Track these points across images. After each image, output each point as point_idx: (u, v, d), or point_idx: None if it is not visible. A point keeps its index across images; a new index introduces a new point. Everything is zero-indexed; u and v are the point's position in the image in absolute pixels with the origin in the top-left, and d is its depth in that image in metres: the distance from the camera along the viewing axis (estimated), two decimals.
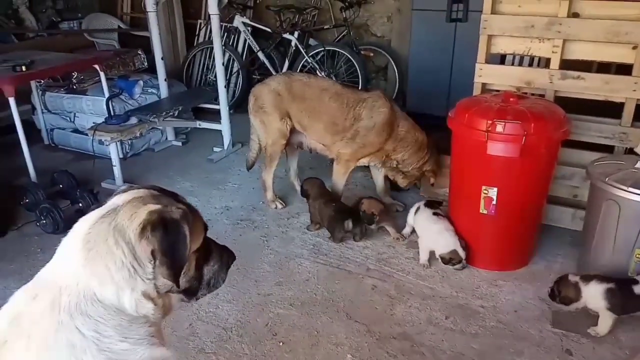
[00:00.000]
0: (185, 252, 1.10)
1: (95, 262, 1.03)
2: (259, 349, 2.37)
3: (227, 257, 1.34)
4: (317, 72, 5.31)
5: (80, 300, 1.00)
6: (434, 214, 3.04)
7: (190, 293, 1.25)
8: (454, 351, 2.34)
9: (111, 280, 1.03)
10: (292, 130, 3.54)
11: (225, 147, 4.69)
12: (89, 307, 1.01)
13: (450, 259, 2.85)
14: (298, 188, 3.91)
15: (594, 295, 2.38)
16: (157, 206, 1.09)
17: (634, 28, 2.82)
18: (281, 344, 2.40)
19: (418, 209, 3.14)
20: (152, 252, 1.06)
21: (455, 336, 2.44)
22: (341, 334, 2.46)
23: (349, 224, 3.14)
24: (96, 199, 3.55)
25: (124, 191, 1.19)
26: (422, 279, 2.87)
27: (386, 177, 3.68)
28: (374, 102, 3.31)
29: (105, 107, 4.10)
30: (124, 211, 1.08)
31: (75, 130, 4.79)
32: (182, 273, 1.14)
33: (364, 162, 3.50)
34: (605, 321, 2.38)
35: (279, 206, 3.68)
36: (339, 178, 3.50)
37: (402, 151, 3.38)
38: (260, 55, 5.74)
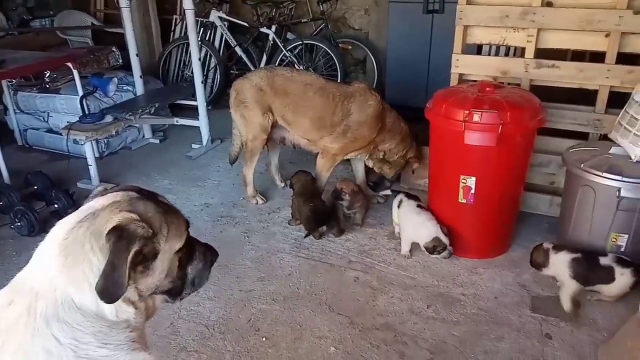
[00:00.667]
0: (124, 268, 1.00)
1: (72, 268, 1.01)
2: (242, 345, 2.36)
3: (210, 255, 1.32)
4: (296, 65, 5.28)
5: (57, 307, 0.99)
6: (418, 206, 3.04)
7: (175, 293, 1.23)
8: (435, 339, 2.36)
9: (89, 287, 1.00)
10: (274, 125, 3.52)
11: (204, 143, 4.65)
12: (66, 314, 0.99)
13: (434, 247, 2.85)
14: (279, 182, 3.90)
15: (560, 263, 2.49)
16: (130, 215, 1.05)
17: (606, 16, 2.86)
18: (264, 339, 2.39)
19: (400, 202, 3.14)
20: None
21: (437, 324, 2.46)
22: (324, 327, 2.46)
23: (323, 229, 3.16)
24: (72, 200, 3.49)
25: (101, 193, 1.16)
26: (404, 269, 2.88)
27: (367, 172, 3.69)
28: (362, 96, 3.31)
29: (79, 105, 4.02)
30: (101, 217, 1.05)
31: (49, 130, 4.69)
32: (165, 275, 1.13)
33: (351, 155, 3.51)
34: (567, 291, 2.47)
35: (260, 201, 3.66)
36: (323, 172, 3.49)
37: (389, 141, 3.42)
38: (238, 50, 5.69)
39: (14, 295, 1.01)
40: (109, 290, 0.99)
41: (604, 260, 2.46)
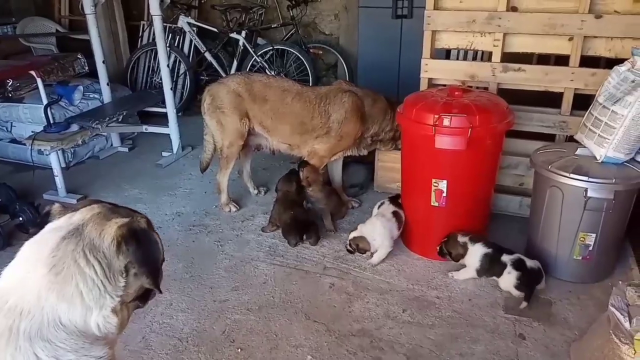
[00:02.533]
0: (160, 257, 1.19)
1: (64, 284, 1.02)
2: (217, 358, 2.31)
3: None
4: (267, 71, 5.25)
5: (42, 326, 0.99)
6: (394, 211, 3.04)
7: (146, 296, 1.24)
8: (412, 344, 2.36)
9: (81, 302, 1.03)
10: (250, 132, 3.49)
11: (175, 151, 4.57)
12: (50, 332, 0.99)
13: (351, 245, 2.93)
14: (252, 190, 3.86)
15: (474, 254, 2.72)
16: (124, 219, 1.11)
17: (570, 20, 2.94)
18: (240, 350, 2.35)
19: (382, 203, 3.15)
20: (126, 266, 1.08)
21: (413, 328, 2.46)
22: (300, 335, 2.43)
23: (303, 237, 3.14)
24: (37, 212, 3.37)
25: (61, 212, 1.16)
26: (379, 274, 2.88)
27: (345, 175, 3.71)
28: (336, 95, 3.34)
29: (43, 115, 3.90)
30: (89, 230, 1.07)
31: (13, 141, 4.53)
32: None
33: (339, 155, 3.50)
34: (467, 273, 2.76)
35: (233, 209, 3.61)
36: None
37: (373, 126, 3.41)
38: (208, 55, 5.63)
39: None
40: (158, 281, 1.15)
41: (504, 257, 2.65)
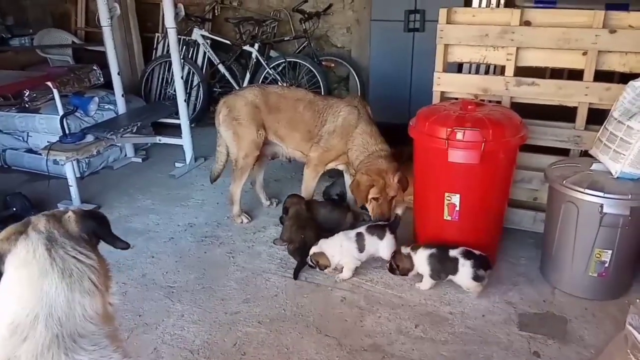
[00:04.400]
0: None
1: (80, 281, 1.13)
2: None
3: None
4: (279, 83, 5.29)
5: (77, 325, 1.09)
6: (357, 234, 2.99)
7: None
8: None
9: (98, 291, 1.15)
10: (265, 142, 3.53)
11: (187, 162, 4.60)
12: (85, 328, 1.10)
13: (316, 262, 2.94)
14: (264, 201, 3.87)
15: (421, 260, 2.76)
16: (71, 211, 1.24)
17: (583, 35, 2.92)
18: None
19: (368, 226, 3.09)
20: (95, 239, 1.25)
21: (425, 344, 2.44)
22: (311, 350, 2.42)
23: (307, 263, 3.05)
24: None
25: (10, 238, 1.19)
26: (391, 288, 2.86)
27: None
28: (337, 106, 3.38)
29: (59, 125, 3.96)
30: (57, 232, 1.16)
31: (29, 150, 4.61)
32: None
33: (331, 165, 3.51)
34: (426, 281, 2.79)
35: (245, 221, 3.62)
36: (308, 182, 3.52)
37: (356, 152, 3.32)
38: (221, 67, 5.68)
39: (23, 331, 1.06)
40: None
41: (452, 252, 2.70)
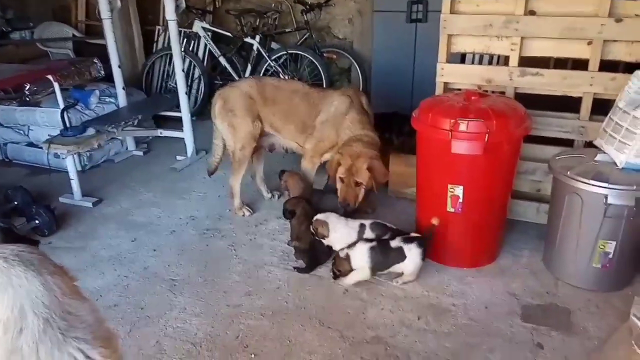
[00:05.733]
0: None
1: (44, 266, 1.14)
2: None
3: None
4: (281, 75, 5.26)
5: (60, 304, 1.10)
6: (360, 224, 2.99)
7: None
8: (427, 352, 2.33)
9: (60, 269, 1.17)
10: (262, 133, 3.51)
11: (189, 155, 4.59)
12: (70, 304, 1.12)
13: (316, 229, 2.95)
14: (265, 194, 3.86)
15: (359, 255, 2.72)
16: None
17: (588, 24, 2.89)
18: (253, 356, 2.34)
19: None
20: None
21: (428, 336, 2.43)
22: (314, 342, 2.41)
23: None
24: (53, 215, 3.40)
25: None
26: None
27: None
28: (331, 97, 3.38)
29: (60, 118, 3.94)
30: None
31: (30, 144, 4.60)
32: None
33: (327, 157, 3.48)
34: (360, 275, 2.75)
35: (247, 213, 3.61)
36: (307, 174, 3.51)
37: (342, 137, 3.31)
38: (222, 60, 5.65)
39: (16, 324, 1.07)
40: None
41: (393, 243, 2.73)
